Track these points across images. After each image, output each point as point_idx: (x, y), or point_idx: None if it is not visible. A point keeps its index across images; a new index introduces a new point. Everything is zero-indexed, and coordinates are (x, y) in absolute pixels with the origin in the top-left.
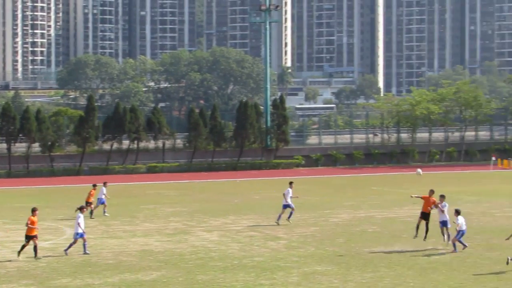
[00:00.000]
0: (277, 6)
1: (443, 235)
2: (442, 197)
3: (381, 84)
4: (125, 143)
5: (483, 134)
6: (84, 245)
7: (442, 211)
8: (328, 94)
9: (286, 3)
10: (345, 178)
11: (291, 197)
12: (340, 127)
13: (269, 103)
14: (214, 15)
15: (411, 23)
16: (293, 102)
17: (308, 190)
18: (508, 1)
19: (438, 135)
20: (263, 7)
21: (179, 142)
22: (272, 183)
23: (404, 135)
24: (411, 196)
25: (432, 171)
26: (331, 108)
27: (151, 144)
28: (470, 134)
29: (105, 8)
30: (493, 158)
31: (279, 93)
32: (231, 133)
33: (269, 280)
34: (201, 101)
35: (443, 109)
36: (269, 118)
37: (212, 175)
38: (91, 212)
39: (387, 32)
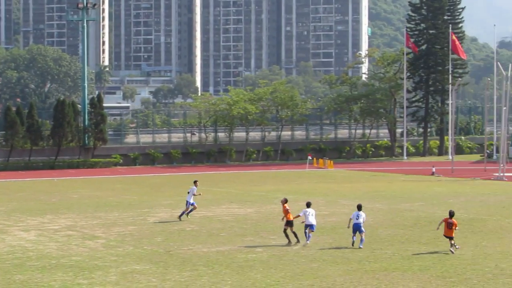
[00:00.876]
0: (94, 5)
1: (306, 236)
2: (307, 204)
3: (198, 83)
4: None
5: (299, 133)
6: None
7: (299, 216)
8: (146, 93)
9: (103, 1)
10: (163, 177)
11: (194, 195)
12: (158, 126)
13: (87, 101)
14: (31, 12)
15: (228, 23)
16: (111, 101)
17: (126, 189)
18: (323, 2)
19: (255, 135)
20: (80, 5)
21: None
22: (90, 182)
23: (221, 134)
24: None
25: (249, 170)
26: (126, 107)
27: None
28: (286, 133)
29: None
30: (309, 157)
31: (96, 92)
32: (49, 131)
33: (87, 279)
34: (18, 99)
35: (260, 108)
36: (87, 117)
37: (30, 174)
38: None
39: (205, 31)
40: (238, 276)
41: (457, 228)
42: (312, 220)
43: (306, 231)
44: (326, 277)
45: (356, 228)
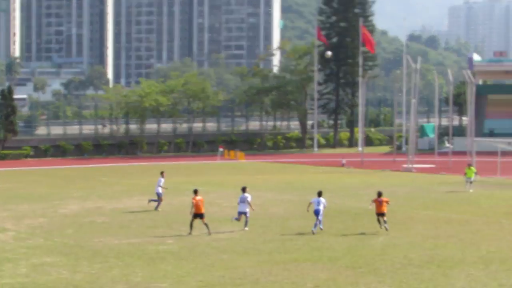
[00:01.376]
0: None
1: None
2: (243, 189)
3: (110, 75)
4: None
5: (211, 125)
6: None
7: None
8: (57, 84)
9: None
10: (74, 169)
11: (160, 186)
12: (69, 118)
13: None
14: None
15: (140, 14)
16: (22, 93)
17: (36, 181)
18: None
19: (166, 126)
20: None
21: None
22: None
23: (133, 126)
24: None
25: (160, 161)
26: (22, 99)
27: None
28: (198, 125)
29: None
30: (221, 149)
31: (7, 83)
32: None
33: None
34: None
35: (172, 100)
36: None
37: None
38: None
39: (117, 23)
40: (149, 267)
41: (389, 203)
42: (243, 208)
43: (237, 217)
44: (236, 268)
45: (317, 213)
